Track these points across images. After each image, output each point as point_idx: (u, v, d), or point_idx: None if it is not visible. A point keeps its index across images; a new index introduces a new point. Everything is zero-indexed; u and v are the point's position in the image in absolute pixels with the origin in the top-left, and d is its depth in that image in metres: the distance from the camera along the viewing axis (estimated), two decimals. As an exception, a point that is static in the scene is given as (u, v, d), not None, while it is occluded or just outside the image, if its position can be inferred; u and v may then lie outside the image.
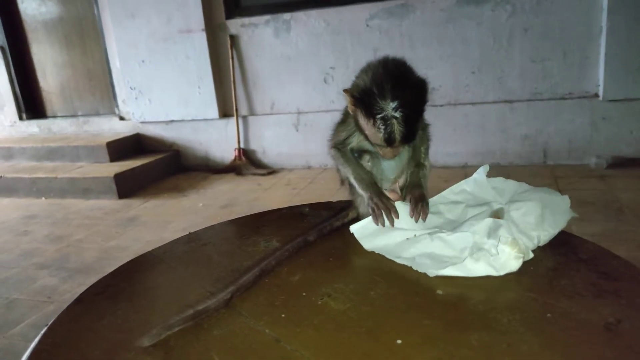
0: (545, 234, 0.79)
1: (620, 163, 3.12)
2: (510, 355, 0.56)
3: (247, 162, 3.93)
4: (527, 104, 3.33)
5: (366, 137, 0.85)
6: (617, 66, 3.07)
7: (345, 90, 0.84)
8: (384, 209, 0.85)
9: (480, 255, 0.74)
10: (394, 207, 0.86)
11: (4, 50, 4.49)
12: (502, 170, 3.31)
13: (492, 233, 0.77)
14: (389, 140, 0.79)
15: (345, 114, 0.93)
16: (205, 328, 0.66)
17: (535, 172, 3.22)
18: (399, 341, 0.60)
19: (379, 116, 0.77)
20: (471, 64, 3.38)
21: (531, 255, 0.76)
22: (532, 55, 3.26)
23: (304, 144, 3.83)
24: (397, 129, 0.78)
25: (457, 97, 3.44)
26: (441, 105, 3.44)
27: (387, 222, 0.85)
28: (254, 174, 3.81)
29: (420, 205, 0.86)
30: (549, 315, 0.63)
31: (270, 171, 3.84)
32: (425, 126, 0.94)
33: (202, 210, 3.17)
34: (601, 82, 3.15)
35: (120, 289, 0.79)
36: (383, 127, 0.78)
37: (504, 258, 0.73)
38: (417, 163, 0.92)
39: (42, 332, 0.69)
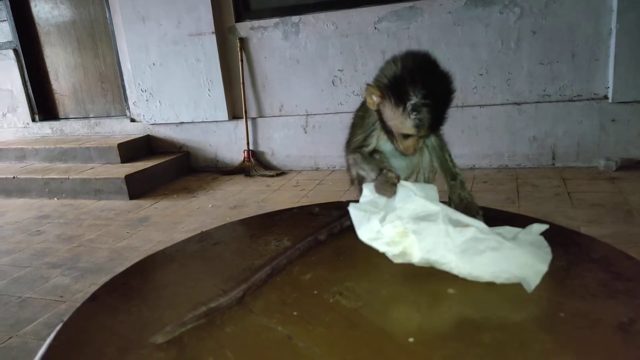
0: (463, 266, 0.71)
1: (629, 165, 3.10)
2: (523, 354, 0.56)
3: (256, 164, 3.94)
4: (536, 106, 3.31)
5: (387, 132, 0.86)
6: (626, 68, 3.04)
7: (368, 84, 0.84)
8: (388, 181, 0.83)
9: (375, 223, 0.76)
10: (398, 177, 0.84)
11: (18, 52, 4.56)
12: (511, 173, 3.29)
13: (423, 217, 0.74)
14: (419, 127, 0.80)
15: (360, 116, 0.93)
16: (218, 325, 0.67)
17: (543, 174, 3.19)
18: (411, 339, 0.60)
19: (410, 102, 0.78)
20: (479, 66, 3.37)
21: (413, 260, 0.73)
22: (540, 57, 3.24)
23: (312, 145, 3.84)
24: (427, 116, 0.79)
25: (465, 99, 3.43)
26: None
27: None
28: (263, 176, 3.83)
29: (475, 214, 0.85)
30: (562, 314, 0.63)
31: (279, 172, 3.86)
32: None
33: (212, 211, 3.19)
34: (610, 84, 3.12)
35: (134, 287, 0.81)
36: (414, 114, 0.79)
37: (381, 234, 0.74)
38: (451, 175, 0.91)
39: (58, 328, 0.70)
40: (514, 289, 0.70)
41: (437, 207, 0.75)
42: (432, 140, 0.92)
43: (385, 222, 0.76)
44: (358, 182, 0.94)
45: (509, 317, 0.63)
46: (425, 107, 0.78)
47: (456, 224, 0.74)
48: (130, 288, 0.80)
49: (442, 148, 0.93)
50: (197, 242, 0.94)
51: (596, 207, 2.59)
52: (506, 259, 0.70)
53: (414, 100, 0.78)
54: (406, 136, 0.84)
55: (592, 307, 0.64)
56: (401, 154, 0.89)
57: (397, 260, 0.76)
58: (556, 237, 0.84)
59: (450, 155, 0.94)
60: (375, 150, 0.92)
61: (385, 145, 0.91)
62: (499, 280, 0.70)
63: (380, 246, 0.77)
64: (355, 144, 0.92)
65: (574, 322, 0.61)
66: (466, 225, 0.74)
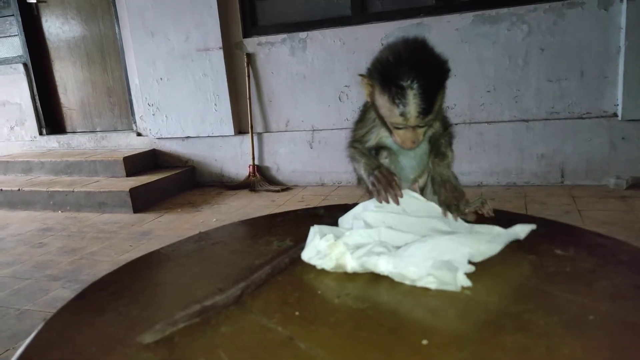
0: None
1: (640, 184, 3.03)
2: (550, 359, 0.50)
3: (261, 179, 3.91)
4: (544, 123, 3.27)
5: (384, 124, 0.80)
6: (636, 85, 3.00)
7: (360, 75, 0.79)
8: (384, 183, 0.77)
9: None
10: (396, 180, 0.77)
11: (27, 67, 4.62)
12: (519, 190, 3.23)
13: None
14: (404, 115, 0.73)
15: (363, 110, 0.89)
16: (212, 325, 0.61)
17: (552, 192, 3.13)
18: (425, 341, 0.54)
19: (394, 85, 0.72)
20: (487, 83, 3.34)
21: (346, 268, 0.70)
22: (548, 74, 3.22)
23: (318, 161, 3.81)
24: (413, 100, 0.71)
25: (473, 115, 3.40)
26: (456, 124, 3.39)
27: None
28: (268, 191, 3.79)
29: (454, 205, 0.79)
30: (591, 317, 0.56)
31: (284, 188, 3.81)
32: (447, 123, 0.88)
33: (216, 225, 3.13)
34: (620, 102, 3.08)
35: (124, 285, 0.75)
36: (399, 97, 0.72)
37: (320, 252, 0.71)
38: (438, 152, 0.84)
39: (39, 327, 0.65)
40: (536, 288, 0.64)
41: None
42: (436, 124, 0.85)
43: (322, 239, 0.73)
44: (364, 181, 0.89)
45: (533, 319, 0.57)
46: (411, 89, 0.71)
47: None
48: (120, 287, 0.75)
49: (445, 130, 0.86)
50: (195, 242, 0.90)
51: (607, 225, 2.51)
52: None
53: (398, 83, 0.71)
54: (398, 127, 0.77)
55: (625, 310, 0.58)
56: (402, 148, 0.82)
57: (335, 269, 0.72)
58: (580, 239, 0.79)
59: (448, 140, 0.86)
60: (382, 147, 0.87)
61: (390, 140, 0.85)
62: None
63: (317, 262, 0.72)
64: (355, 138, 0.87)
65: (605, 325, 0.55)
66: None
